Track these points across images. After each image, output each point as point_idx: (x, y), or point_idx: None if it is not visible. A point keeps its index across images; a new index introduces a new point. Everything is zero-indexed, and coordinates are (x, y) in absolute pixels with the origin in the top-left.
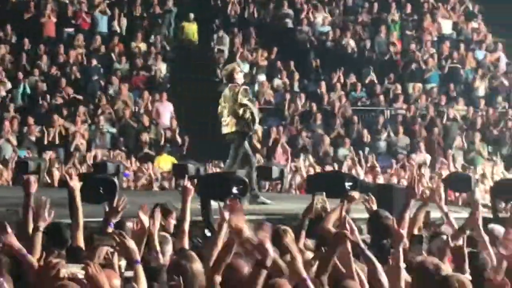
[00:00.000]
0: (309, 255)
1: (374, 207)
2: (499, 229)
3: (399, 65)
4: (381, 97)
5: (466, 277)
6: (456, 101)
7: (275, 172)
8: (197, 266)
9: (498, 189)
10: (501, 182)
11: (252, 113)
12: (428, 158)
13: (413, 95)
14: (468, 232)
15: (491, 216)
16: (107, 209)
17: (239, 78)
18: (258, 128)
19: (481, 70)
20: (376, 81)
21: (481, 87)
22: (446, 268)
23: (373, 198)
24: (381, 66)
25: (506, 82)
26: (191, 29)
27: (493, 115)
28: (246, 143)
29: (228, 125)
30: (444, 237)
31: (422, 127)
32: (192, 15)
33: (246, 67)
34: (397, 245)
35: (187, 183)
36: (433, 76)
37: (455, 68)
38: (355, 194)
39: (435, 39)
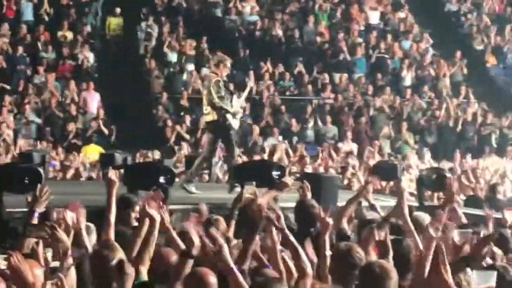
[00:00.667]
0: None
1: (309, 194)
2: (423, 217)
3: (327, 55)
4: (309, 87)
5: (389, 263)
6: (383, 90)
7: None
8: (120, 256)
9: (424, 178)
10: (427, 171)
11: (220, 105)
12: (355, 147)
13: (340, 85)
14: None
15: (417, 204)
16: (29, 199)
17: (225, 71)
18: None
19: (407, 60)
20: (304, 71)
21: (408, 77)
22: (371, 255)
23: (308, 185)
24: (309, 55)
25: (432, 72)
26: (117, 23)
27: (420, 105)
28: (233, 130)
29: (208, 114)
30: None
31: (349, 116)
32: (118, 10)
33: (174, 57)
34: (323, 233)
35: (111, 174)
36: (361, 65)
37: (382, 58)
38: (288, 180)
39: (363, 29)
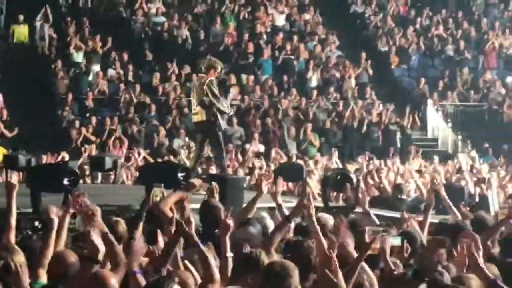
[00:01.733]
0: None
1: (217, 196)
2: (326, 218)
3: (233, 56)
4: None
5: (290, 263)
6: (289, 91)
7: (108, 163)
8: (19, 258)
9: (329, 179)
10: (332, 172)
11: (216, 106)
12: (262, 148)
13: (247, 86)
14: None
15: (321, 205)
16: None
17: (214, 75)
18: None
19: (313, 61)
20: None
21: (314, 78)
22: (273, 255)
23: (217, 186)
24: (216, 56)
25: (337, 73)
26: (22, 32)
27: (326, 106)
28: (221, 130)
29: (197, 114)
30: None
31: (256, 117)
32: (21, 17)
33: (80, 57)
34: (223, 235)
35: (11, 177)
36: (267, 67)
37: (288, 59)
38: (196, 181)
39: (269, 30)
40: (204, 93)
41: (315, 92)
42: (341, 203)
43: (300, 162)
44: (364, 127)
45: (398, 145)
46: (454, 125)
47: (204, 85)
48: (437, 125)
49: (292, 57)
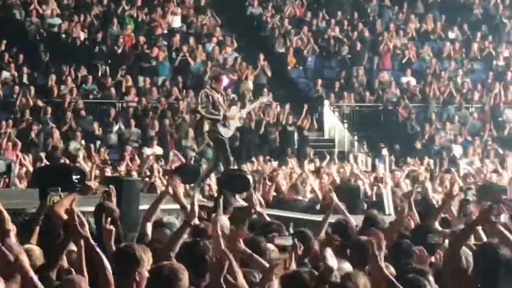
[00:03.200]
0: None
1: (114, 199)
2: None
3: (130, 58)
4: (112, 90)
5: (179, 265)
6: (186, 93)
7: (2, 167)
8: None
9: (225, 180)
10: (228, 173)
11: (207, 113)
12: (160, 150)
13: (144, 88)
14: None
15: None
16: None
17: (222, 85)
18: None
19: (210, 63)
20: (107, 74)
21: None
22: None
23: (114, 189)
24: (113, 58)
25: (235, 75)
26: None
27: None
28: (223, 138)
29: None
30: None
31: (154, 119)
32: None
33: None
34: (107, 240)
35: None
36: (164, 68)
37: (185, 61)
38: (93, 184)
39: (166, 32)
40: (201, 105)
41: None
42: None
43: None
44: (262, 128)
45: (296, 146)
46: (350, 126)
47: (199, 98)
48: (334, 125)
49: (189, 58)
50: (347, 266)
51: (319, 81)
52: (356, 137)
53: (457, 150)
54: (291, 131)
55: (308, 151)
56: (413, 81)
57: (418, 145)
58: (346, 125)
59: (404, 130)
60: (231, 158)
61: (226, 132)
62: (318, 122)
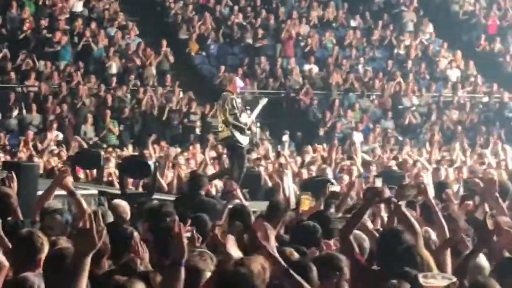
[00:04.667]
0: None
1: (15, 185)
2: (120, 204)
3: (31, 42)
4: (12, 74)
5: (69, 249)
6: (88, 78)
7: None
8: None
9: (125, 166)
10: (128, 159)
11: (237, 121)
12: (60, 135)
13: (45, 72)
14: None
15: (118, 192)
16: None
17: (237, 87)
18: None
19: (113, 48)
20: (7, 58)
21: (113, 65)
22: None
23: (14, 175)
24: (13, 42)
25: (138, 61)
26: None
27: (125, 93)
28: (242, 146)
29: (223, 131)
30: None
31: (54, 104)
32: None
33: None
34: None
35: None
36: (66, 53)
37: (87, 45)
38: None
39: (68, 16)
40: (226, 111)
41: (114, 79)
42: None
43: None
44: (165, 115)
45: (198, 132)
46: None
47: (225, 104)
48: None
49: (92, 43)
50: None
51: (222, 68)
52: (258, 124)
53: (358, 137)
54: (194, 117)
55: (210, 138)
56: (315, 69)
57: (321, 132)
58: (249, 111)
59: (306, 118)
60: (246, 166)
61: (244, 140)
62: None
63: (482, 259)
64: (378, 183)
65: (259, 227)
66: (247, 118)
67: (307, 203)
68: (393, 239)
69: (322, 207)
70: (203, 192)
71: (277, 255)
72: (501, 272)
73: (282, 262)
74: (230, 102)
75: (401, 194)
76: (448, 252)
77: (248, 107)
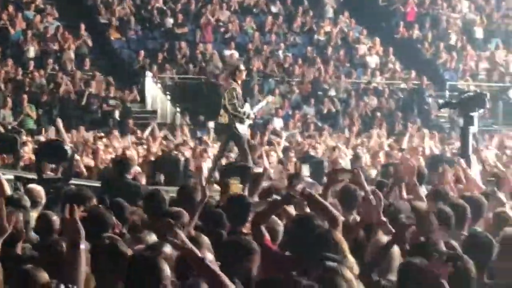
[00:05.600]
0: None
1: None
2: (35, 188)
3: None
4: None
5: None
6: (5, 62)
7: None
8: None
9: (42, 150)
10: (44, 144)
11: (235, 111)
12: None
13: None
14: None
15: (35, 177)
16: None
17: (241, 76)
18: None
19: (30, 31)
20: None
21: (31, 49)
22: None
23: None
24: None
25: (56, 45)
26: None
27: (43, 77)
28: (240, 134)
29: (222, 116)
30: None
31: None
32: None
33: None
34: None
35: None
36: None
37: (4, 28)
38: None
39: None
40: (225, 98)
41: (32, 63)
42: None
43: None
44: (84, 100)
45: (117, 117)
46: (173, 98)
47: (226, 92)
48: (156, 97)
49: (9, 26)
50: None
51: (142, 52)
52: (178, 109)
53: (278, 123)
54: (113, 102)
55: (130, 122)
56: (236, 54)
57: None
58: (169, 97)
59: None
60: (249, 153)
61: (243, 129)
62: (140, 93)
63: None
64: (305, 170)
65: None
66: (249, 109)
67: (235, 187)
68: (304, 226)
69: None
70: (129, 176)
71: (191, 246)
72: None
73: (198, 254)
74: (230, 92)
75: (333, 178)
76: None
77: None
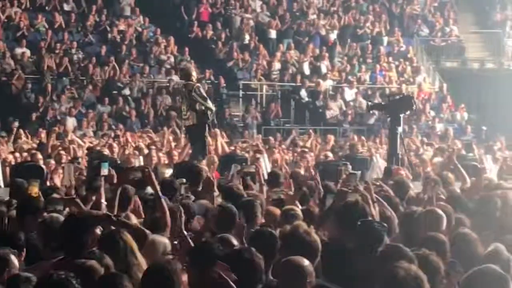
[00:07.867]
0: None
1: None
2: None
3: None
4: None
5: None
6: None
7: None
8: None
9: None
10: None
11: (206, 107)
12: None
13: None
14: None
15: None
16: None
17: (195, 76)
18: None
19: None
20: None
21: None
22: None
23: None
24: None
25: None
26: None
27: None
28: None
29: (188, 119)
30: None
31: None
32: None
33: None
34: None
35: None
36: None
37: None
38: None
39: None
40: (194, 99)
41: None
42: None
43: None
44: None
45: None
46: None
47: (193, 92)
48: None
49: None
50: None
51: None
52: None
53: (71, 122)
54: None
55: None
56: (28, 53)
57: (33, 117)
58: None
59: (19, 102)
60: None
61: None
62: None
63: None
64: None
65: None
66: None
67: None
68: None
69: None
70: None
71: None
72: None
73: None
74: (198, 89)
75: (125, 177)
76: None
77: None
